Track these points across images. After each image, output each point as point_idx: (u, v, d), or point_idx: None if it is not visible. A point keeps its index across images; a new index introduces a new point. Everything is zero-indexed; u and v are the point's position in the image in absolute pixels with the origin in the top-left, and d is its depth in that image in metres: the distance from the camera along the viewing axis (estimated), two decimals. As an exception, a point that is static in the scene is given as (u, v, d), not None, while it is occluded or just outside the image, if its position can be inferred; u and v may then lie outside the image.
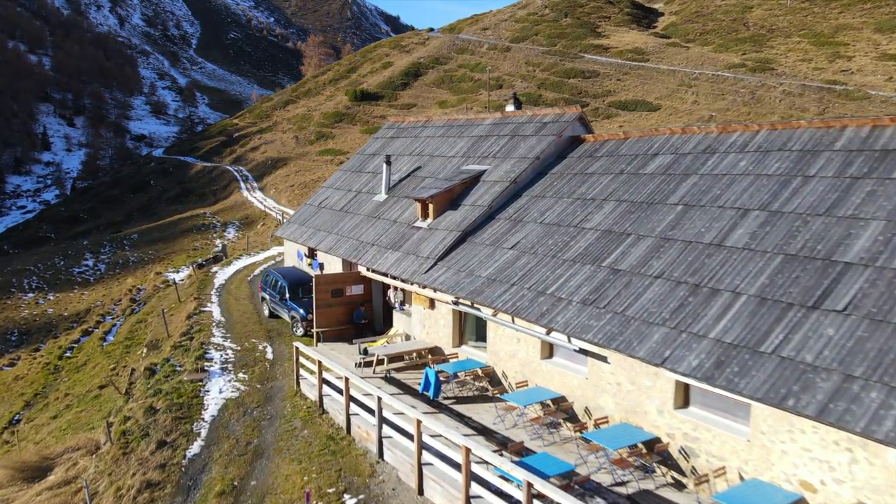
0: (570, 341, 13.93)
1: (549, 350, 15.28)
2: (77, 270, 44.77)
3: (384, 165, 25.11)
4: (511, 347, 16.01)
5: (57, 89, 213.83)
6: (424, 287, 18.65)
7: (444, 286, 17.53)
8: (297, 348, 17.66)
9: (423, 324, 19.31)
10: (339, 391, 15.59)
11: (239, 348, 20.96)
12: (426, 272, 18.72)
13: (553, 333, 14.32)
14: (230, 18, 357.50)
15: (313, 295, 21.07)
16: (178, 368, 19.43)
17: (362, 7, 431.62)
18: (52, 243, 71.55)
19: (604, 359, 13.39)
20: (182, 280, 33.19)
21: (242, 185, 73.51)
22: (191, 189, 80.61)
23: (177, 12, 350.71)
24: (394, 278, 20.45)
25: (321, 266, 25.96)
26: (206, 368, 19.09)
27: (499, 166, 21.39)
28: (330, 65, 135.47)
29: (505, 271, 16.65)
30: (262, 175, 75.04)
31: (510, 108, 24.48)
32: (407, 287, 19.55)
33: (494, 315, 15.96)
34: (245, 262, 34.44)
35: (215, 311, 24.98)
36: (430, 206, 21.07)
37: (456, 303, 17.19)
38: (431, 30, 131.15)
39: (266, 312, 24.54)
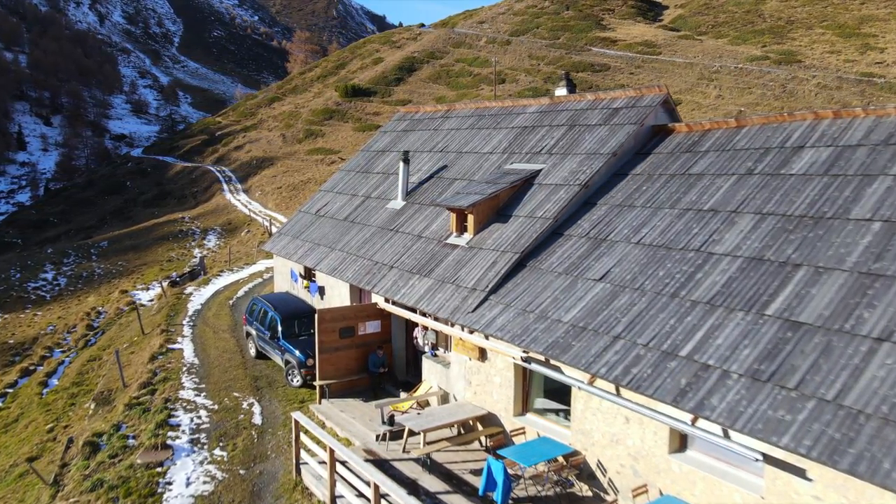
0: (726, 435, 8.88)
1: (680, 440, 10.20)
2: (32, 285, 39.09)
3: (401, 164, 19.98)
4: (613, 429, 10.93)
5: (33, 87, 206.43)
6: (473, 332, 13.54)
7: (506, 334, 12.43)
8: (295, 421, 12.48)
9: (467, 379, 14.18)
10: (361, 493, 10.50)
11: (216, 407, 15.72)
12: (474, 310, 13.60)
13: (702, 420, 9.25)
14: (213, 16, 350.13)
15: (315, 333, 15.92)
16: (132, 441, 14.15)
17: (348, 6, 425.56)
18: (18, 249, 65.54)
19: (800, 472, 8.33)
20: (151, 302, 27.84)
21: (225, 186, 67.91)
22: (169, 191, 74.79)
23: (158, 10, 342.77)
24: (423, 314, 15.33)
25: (321, 290, 20.74)
26: (169, 444, 13.82)
27: (558, 165, 16.33)
28: (317, 61, 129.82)
29: (598, 315, 11.57)
30: (247, 176, 69.50)
31: (560, 91, 19.42)
32: (445, 329, 14.41)
33: (591, 382, 10.87)
34: (227, 279, 29.11)
35: (187, 348, 19.67)
36: (471, 218, 15.97)
37: (527, 360, 12.07)
38: (423, 25, 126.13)
39: (252, 352, 19.28)
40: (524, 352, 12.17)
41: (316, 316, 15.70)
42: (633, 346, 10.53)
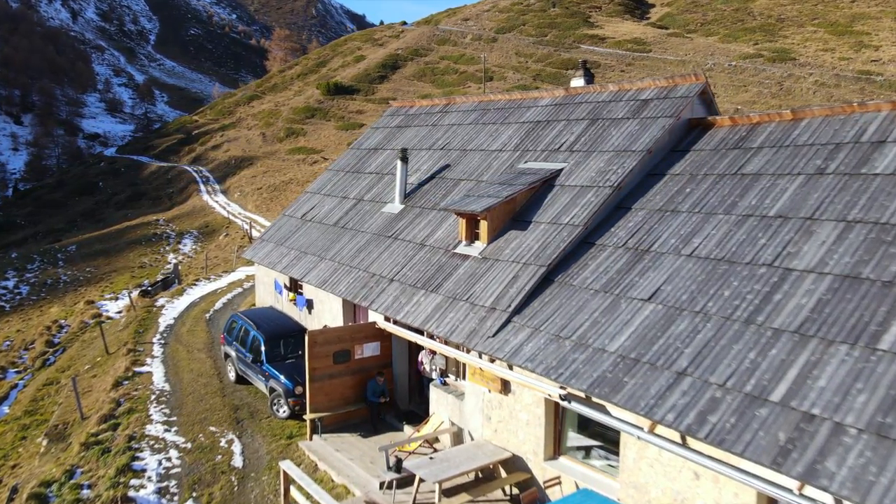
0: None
1: (769, 504, 8.23)
2: (-8, 294, 36.25)
3: (398, 163, 17.88)
4: (678, 486, 8.93)
5: (3, 85, 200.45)
6: (494, 361, 11.50)
7: (538, 365, 10.39)
8: (284, 473, 10.32)
9: (486, 414, 12.11)
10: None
11: (190, 445, 13.48)
12: (495, 334, 11.55)
13: (811, 488, 7.28)
14: (190, 14, 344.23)
15: (305, 358, 13.77)
16: (86, 493, 11.88)
17: (327, 5, 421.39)
18: (-17, 254, 62.08)
19: (954, 563, 6.39)
20: (119, 314, 25.39)
21: (202, 187, 65.10)
22: (143, 192, 71.70)
23: (133, 7, 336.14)
24: (431, 336, 13.26)
25: (309, 304, 18.56)
26: (131, 496, 11.58)
27: (582, 164, 14.35)
28: (297, 59, 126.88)
29: (653, 344, 9.58)
30: (225, 176, 66.75)
31: (577, 81, 17.45)
32: (459, 356, 12.33)
33: (652, 430, 8.86)
34: (203, 289, 26.71)
35: (157, 372, 17.36)
36: (484, 224, 13.92)
37: (566, 398, 10.03)
38: (405, 23, 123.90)
39: (232, 376, 17.03)
40: (561, 387, 10.14)
41: (306, 338, 13.54)
42: (706, 386, 8.55)
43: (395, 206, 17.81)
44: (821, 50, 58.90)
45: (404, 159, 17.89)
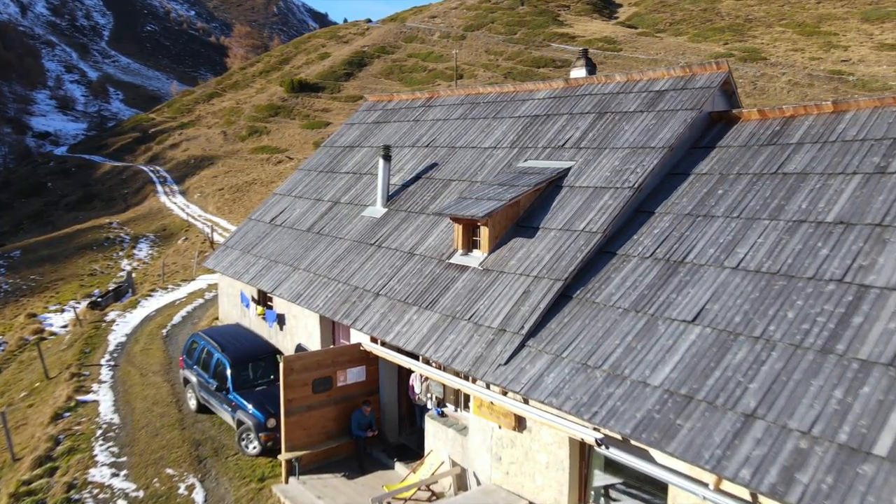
0: None
1: (870, 580, 6.68)
2: (-77, 307, 32.88)
3: (380, 162, 16.07)
4: (746, 551, 7.34)
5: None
6: (507, 393, 9.79)
7: (565, 401, 8.72)
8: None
9: (495, 453, 10.39)
10: None
11: (142, 494, 11.45)
12: (507, 361, 9.85)
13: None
14: (146, 10, 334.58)
15: (280, 385, 11.86)
16: (15, 561, 9.75)
17: (289, 2, 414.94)
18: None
19: None
20: (64, 329, 22.89)
21: (159, 188, 61.94)
22: (96, 193, 68.00)
23: (86, 1, 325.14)
24: (427, 362, 11.51)
25: (280, 320, 16.60)
26: (69, 565, 9.50)
27: (592, 162, 12.76)
28: (259, 56, 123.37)
29: (707, 377, 8.00)
30: (184, 176, 63.69)
31: (579, 72, 15.89)
32: (463, 386, 10.59)
33: (717, 486, 7.25)
34: (160, 300, 24.36)
35: (105, 400, 15.17)
36: (485, 231, 12.21)
37: (603, 442, 8.36)
38: (370, 21, 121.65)
39: (192, 404, 14.94)
40: (594, 428, 8.48)
41: (281, 365, 11.61)
42: (785, 434, 6.98)
43: (377, 210, 15.99)
44: (791, 50, 58.93)
45: (387, 157, 16.09)
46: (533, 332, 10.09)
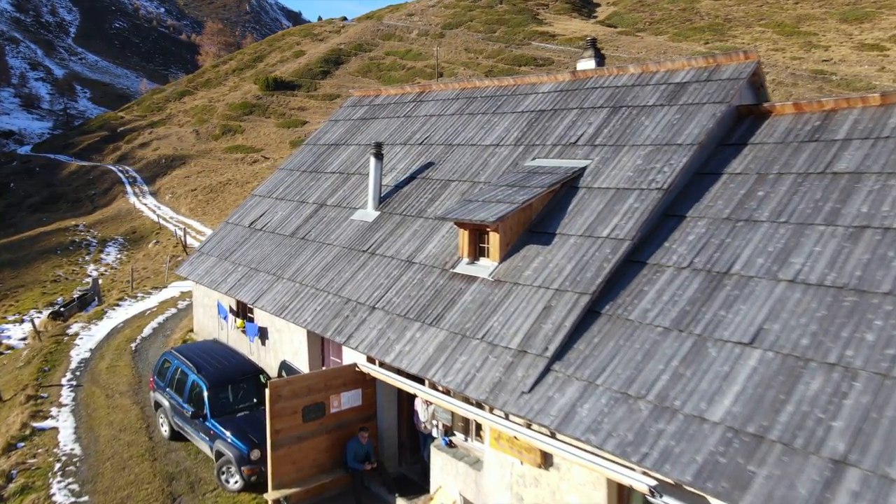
0: None
1: None
2: None
3: (371, 161, 14.74)
4: None
5: None
6: (531, 425, 8.53)
7: (608, 440, 7.50)
8: None
9: (516, 493, 9.11)
10: None
11: (107, 541, 9.92)
12: (531, 389, 8.59)
13: None
14: (114, 6, 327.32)
15: (266, 413, 10.44)
16: None
17: (262, 1, 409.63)
18: None
19: None
20: (23, 342, 21.02)
21: (129, 188, 59.60)
22: (61, 193, 65.25)
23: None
24: (433, 386, 10.23)
25: (262, 333, 15.15)
26: None
27: (610, 161, 11.58)
28: (232, 53, 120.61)
29: (778, 412, 6.83)
30: (155, 176, 61.40)
31: (587, 63, 14.70)
32: (477, 416, 9.30)
33: (804, 548, 6.06)
34: (129, 310, 22.63)
35: (66, 427, 13.57)
36: (495, 237, 10.95)
37: (658, 491, 7.12)
38: (345, 19, 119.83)
39: (165, 430, 13.42)
40: (644, 472, 7.25)
41: (267, 392, 10.21)
42: (888, 486, 5.82)
43: (369, 213, 14.63)
44: (772, 49, 58.76)
45: (378, 156, 14.75)
46: (559, 354, 8.85)
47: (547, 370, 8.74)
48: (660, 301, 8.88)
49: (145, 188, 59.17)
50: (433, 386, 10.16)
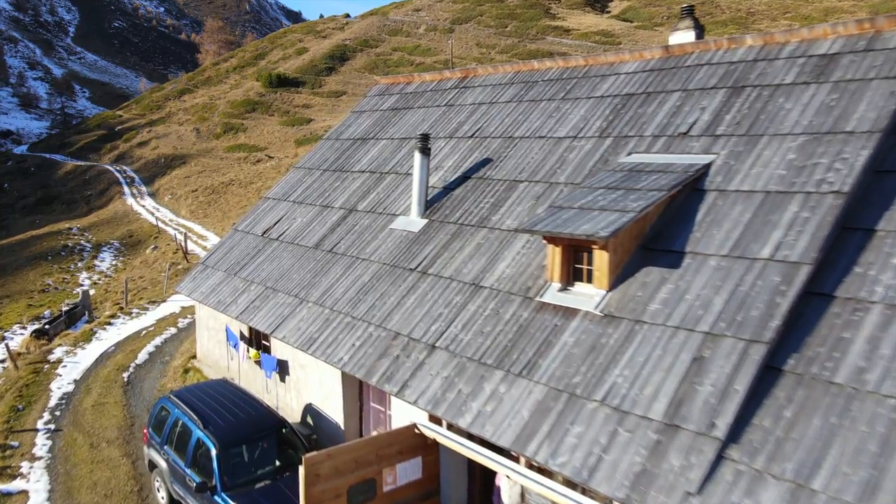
0: None
1: None
2: None
3: (416, 157, 12.00)
4: None
5: None
6: (710, 546, 5.72)
7: None
8: None
9: None
10: None
11: None
12: (700, 490, 5.79)
13: None
14: (113, 6, 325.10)
15: (300, 491, 7.67)
16: None
17: (262, 0, 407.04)
18: None
19: None
20: (2, 364, 18.29)
21: (126, 189, 56.86)
22: (56, 194, 62.51)
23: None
24: (531, 466, 7.45)
25: (282, 368, 12.36)
26: None
27: (747, 155, 8.81)
28: (233, 51, 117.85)
29: None
30: (154, 177, 58.65)
31: (684, 35, 11.93)
32: (610, 517, 6.51)
33: None
34: (122, 329, 19.83)
35: (38, 490, 10.79)
36: (603, 256, 8.19)
37: None
38: (348, 15, 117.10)
39: (162, 498, 10.62)
40: None
41: (301, 471, 7.44)
42: None
43: (413, 221, 11.87)
44: (801, 43, 56.07)
45: (425, 150, 12.02)
46: (734, 434, 6.09)
47: (719, 458, 5.98)
48: (876, 355, 6.11)
49: (143, 189, 56.43)
50: (532, 466, 7.41)
